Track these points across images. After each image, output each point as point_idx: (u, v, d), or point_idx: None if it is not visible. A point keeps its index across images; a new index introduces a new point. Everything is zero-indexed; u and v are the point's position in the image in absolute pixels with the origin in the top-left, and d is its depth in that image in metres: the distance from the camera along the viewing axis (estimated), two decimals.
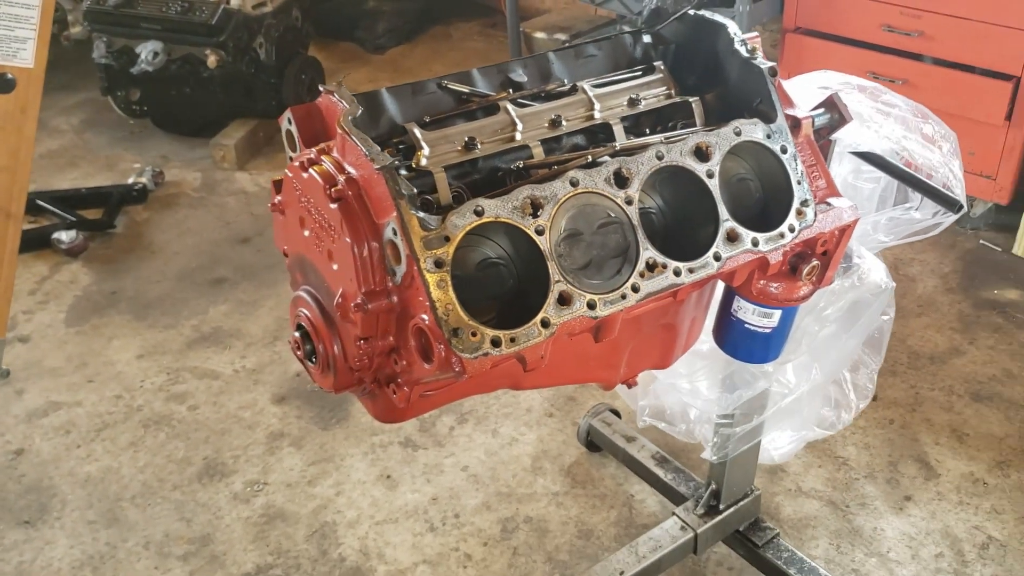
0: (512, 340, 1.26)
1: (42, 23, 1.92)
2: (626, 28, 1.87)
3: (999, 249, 3.59)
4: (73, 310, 3.54)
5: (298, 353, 1.46)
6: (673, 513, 2.32)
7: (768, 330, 1.69)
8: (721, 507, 2.29)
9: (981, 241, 3.64)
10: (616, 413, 2.73)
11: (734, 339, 1.73)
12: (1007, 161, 3.42)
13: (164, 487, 2.74)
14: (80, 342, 3.36)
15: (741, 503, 2.31)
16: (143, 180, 4.19)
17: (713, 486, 2.29)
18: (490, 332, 1.25)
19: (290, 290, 1.53)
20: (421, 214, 1.24)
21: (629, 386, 1.84)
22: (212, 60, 4.10)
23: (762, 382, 1.94)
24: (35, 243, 3.84)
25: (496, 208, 1.29)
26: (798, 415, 2.13)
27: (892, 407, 2.88)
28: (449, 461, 2.77)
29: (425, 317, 1.24)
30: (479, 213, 1.27)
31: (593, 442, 2.73)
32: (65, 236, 3.79)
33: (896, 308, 3.26)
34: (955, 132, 1.83)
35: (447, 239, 1.24)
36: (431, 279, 1.22)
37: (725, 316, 1.72)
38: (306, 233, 1.39)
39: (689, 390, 2.10)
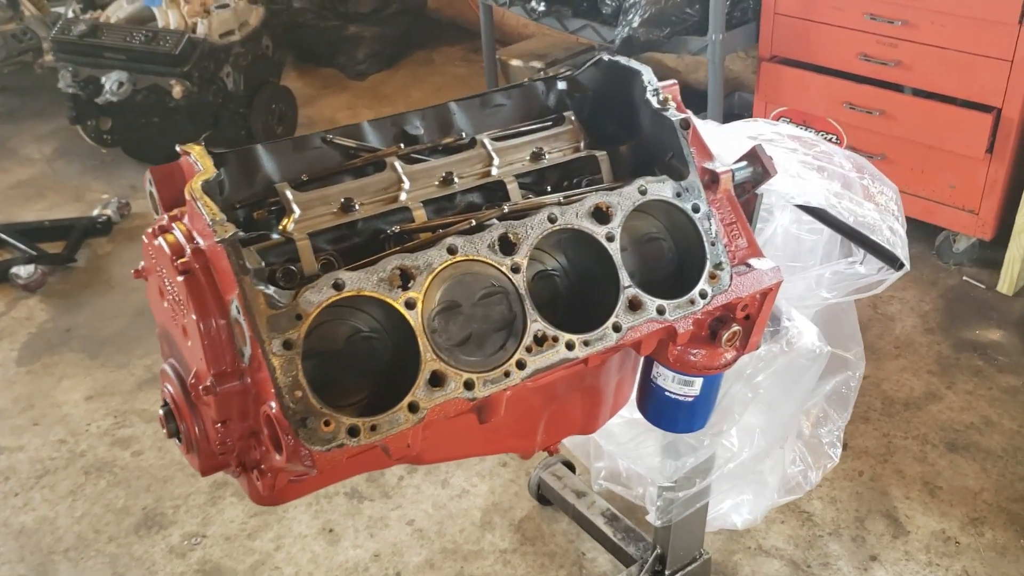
0: (373, 428, 1.14)
1: None
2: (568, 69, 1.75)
3: (983, 286, 3.45)
4: (26, 348, 3.44)
5: (164, 431, 1.35)
6: None
7: (690, 398, 1.56)
8: (667, 572, 2.16)
9: (964, 278, 3.50)
10: (570, 466, 2.60)
11: (656, 407, 1.61)
12: (989, 195, 3.29)
13: (100, 539, 2.63)
14: (29, 382, 3.26)
15: (688, 568, 2.18)
16: (108, 212, 4.11)
17: (658, 550, 2.16)
18: (347, 420, 1.13)
19: None
20: (270, 290, 1.12)
21: (550, 453, 1.72)
22: (177, 90, 4.01)
23: (705, 450, 1.82)
24: None
25: (359, 281, 1.17)
26: (757, 481, 2.01)
27: (862, 457, 2.74)
28: (395, 514, 2.65)
29: (273, 404, 1.12)
30: (339, 287, 1.16)
31: (544, 496, 2.60)
32: (23, 271, 3.70)
33: (872, 349, 3.17)
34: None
35: (299, 317, 1.13)
36: (276, 363, 1.11)
37: (645, 383, 1.60)
38: (164, 304, 1.28)
39: (635, 455, 1.97)
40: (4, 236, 3.95)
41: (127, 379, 3.25)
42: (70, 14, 4.44)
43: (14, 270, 3.71)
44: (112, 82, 4.03)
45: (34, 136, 5.00)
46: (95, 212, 4.13)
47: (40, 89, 5.31)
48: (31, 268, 3.72)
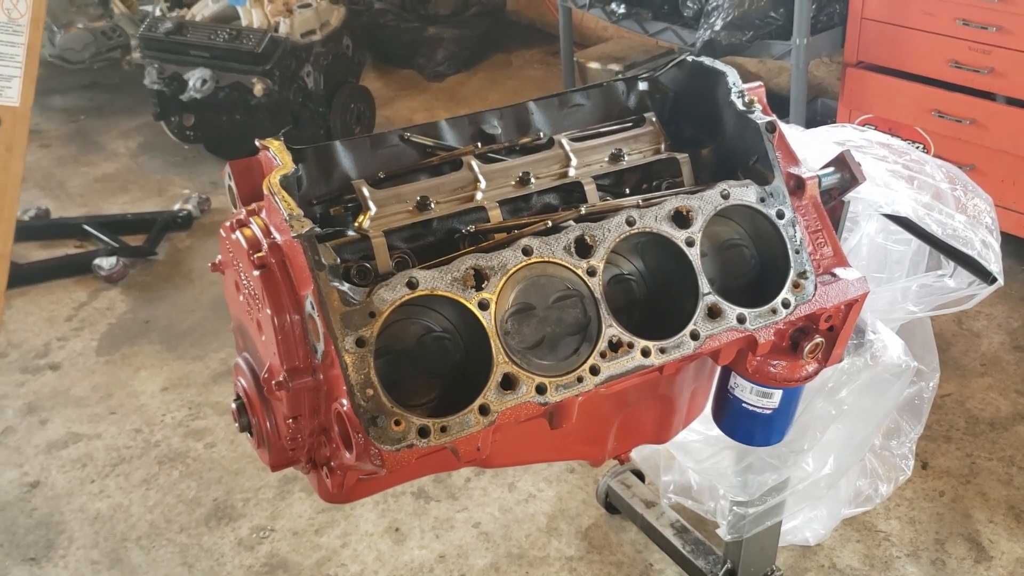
0: (443, 430, 1.13)
1: (28, 61, 1.86)
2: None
3: None
4: (106, 338, 3.51)
5: (235, 425, 1.35)
6: None
7: (768, 411, 1.51)
8: None
9: None
10: (639, 475, 2.56)
11: (732, 418, 1.56)
12: None
13: (171, 528, 2.67)
14: (108, 372, 3.33)
15: None
16: (188, 207, 4.19)
17: (728, 565, 2.11)
18: (417, 420, 1.11)
19: None
20: (345, 286, 1.11)
21: (621, 462, 1.68)
22: (258, 88, 4.06)
23: (788, 467, 1.77)
24: (77, 268, 3.86)
25: (433, 280, 1.16)
26: (830, 496, 1.95)
27: (944, 477, 2.65)
28: (461, 516, 2.63)
29: (345, 402, 1.11)
30: (412, 285, 1.15)
31: (612, 504, 2.56)
32: (105, 263, 3.79)
33: (956, 366, 3.06)
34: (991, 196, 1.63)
35: (372, 315, 1.12)
36: (349, 360, 1.09)
37: (722, 392, 1.55)
38: (240, 298, 1.28)
39: (714, 471, 1.92)
40: (88, 228, 4.04)
41: (202, 372, 3.30)
42: (157, 12, 4.54)
43: (97, 261, 3.80)
44: (196, 79, 4.10)
45: (120, 131, 5.12)
46: (176, 207, 4.21)
47: (127, 85, 5.45)
48: (113, 260, 3.81)
